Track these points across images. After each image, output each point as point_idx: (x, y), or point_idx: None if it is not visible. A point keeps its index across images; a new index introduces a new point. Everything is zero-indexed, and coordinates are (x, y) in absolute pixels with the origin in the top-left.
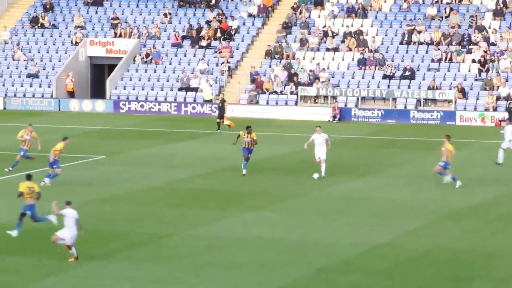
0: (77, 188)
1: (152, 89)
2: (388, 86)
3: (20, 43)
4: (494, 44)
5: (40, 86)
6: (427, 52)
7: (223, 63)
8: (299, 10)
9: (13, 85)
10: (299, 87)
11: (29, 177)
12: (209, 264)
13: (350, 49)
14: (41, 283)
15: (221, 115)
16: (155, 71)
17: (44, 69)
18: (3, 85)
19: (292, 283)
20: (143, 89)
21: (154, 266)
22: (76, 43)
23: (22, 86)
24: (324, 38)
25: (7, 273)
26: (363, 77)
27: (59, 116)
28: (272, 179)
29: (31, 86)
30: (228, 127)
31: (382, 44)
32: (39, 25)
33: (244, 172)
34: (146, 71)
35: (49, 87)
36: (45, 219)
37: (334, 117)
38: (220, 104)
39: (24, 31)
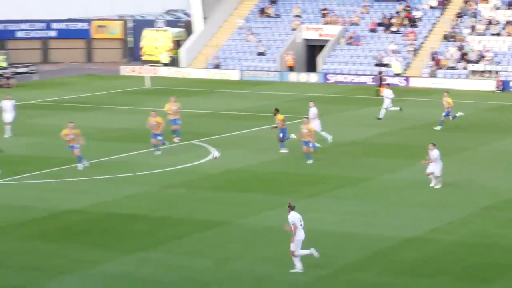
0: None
1: (353, 65)
2: None
3: (251, 28)
4: None
5: (267, 62)
6: None
7: (409, 44)
8: (469, 3)
9: (246, 61)
10: (469, 64)
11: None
12: (397, 202)
13: (509, 34)
14: (266, 214)
15: (379, 84)
16: (355, 51)
17: (270, 49)
18: (239, 61)
19: (461, 219)
20: (346, 65)
21: (356, 203)
22: (294, 29)
23: (253, 62)
24: (489, 25)
25: (240, 205)
26: None
27: (281, 86)
28: (449, 135)
29: (260, 62)
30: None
31: None
32: (266, 14)
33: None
34: (348, 50)
35: (274, 62)
36: None
37: (498, 88)
38: (378, 76)
39: (255, 19)
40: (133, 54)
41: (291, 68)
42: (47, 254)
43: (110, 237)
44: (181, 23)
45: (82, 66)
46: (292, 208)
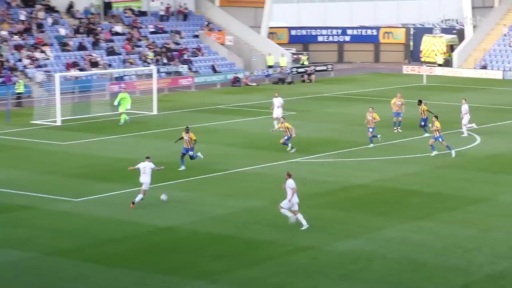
0: None
1: None
2: None
3: None
4: None
5: None
6: None
7: None
8: None
9: (509, 63)
10: None
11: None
12: None
13: None
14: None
15: None
16: None
17: None
18: (502, 63)
19: None
20: None
21: None
22: None
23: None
24: None
25: (500, 184)
26: None
27: None
28: None
29: None
30: None
31: None
32: None
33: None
34: None
35: None
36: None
37: None
38: None
39: None
40: (413, 56)
41: None
42: (336, 221)
43: (389, 208)
44: (454, 31)
45: (371, 66)
46: (289, 176)
